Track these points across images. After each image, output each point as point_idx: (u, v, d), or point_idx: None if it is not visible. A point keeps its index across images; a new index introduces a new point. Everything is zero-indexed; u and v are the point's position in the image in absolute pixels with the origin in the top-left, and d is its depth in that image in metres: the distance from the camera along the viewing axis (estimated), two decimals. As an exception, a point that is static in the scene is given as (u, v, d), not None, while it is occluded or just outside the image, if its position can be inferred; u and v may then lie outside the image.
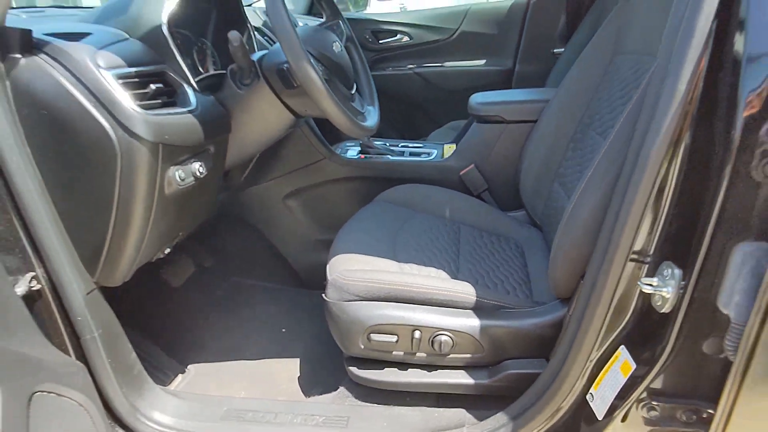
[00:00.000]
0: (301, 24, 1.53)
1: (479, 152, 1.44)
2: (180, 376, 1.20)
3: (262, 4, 2.05)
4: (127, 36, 0.89)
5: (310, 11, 2.13)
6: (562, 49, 2.00)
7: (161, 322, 1.34)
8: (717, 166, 0.60)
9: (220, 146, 1.04)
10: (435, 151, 1.53)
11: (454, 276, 1.02)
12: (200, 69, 1.12)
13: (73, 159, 0.79)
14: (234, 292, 1.52)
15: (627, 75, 1.03)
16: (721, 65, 0.59)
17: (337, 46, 1.05)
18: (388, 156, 1.50)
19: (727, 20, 0.57)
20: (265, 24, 1.47)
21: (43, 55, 0.75)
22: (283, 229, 1.56)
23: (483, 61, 2.20)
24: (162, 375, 1.16)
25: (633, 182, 0.67)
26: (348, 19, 2.21)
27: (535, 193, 1.29)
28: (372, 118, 1.14)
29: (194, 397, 1.04)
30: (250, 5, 2.15)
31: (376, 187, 1.39)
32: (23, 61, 0.74)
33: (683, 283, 0.65)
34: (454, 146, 1.53)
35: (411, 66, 2.23)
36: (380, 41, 2.23)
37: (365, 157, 1.49)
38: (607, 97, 1.10)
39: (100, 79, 0.75)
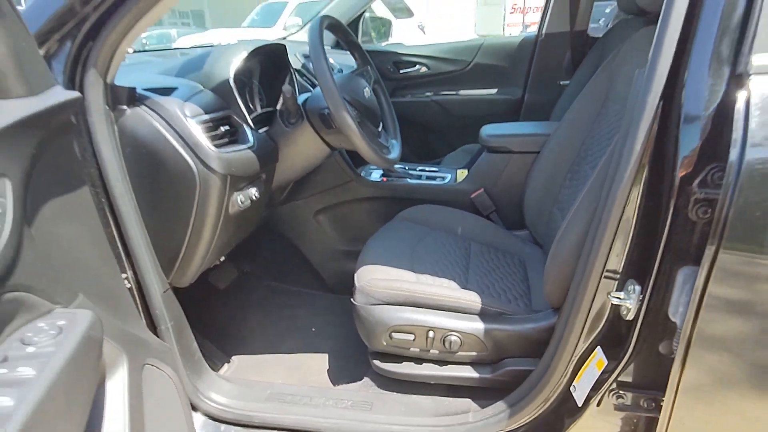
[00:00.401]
0: (333, 61, 1.75)
1: (488, 178, 1.63)
2: (226, 365, 1.40)
3: (299, 45, 2.28)
4: (202, 88, 1.11)
5: (336, 45, 2.36)
6: (567, 82, 2.18)
7: (210, 318, 1.55)
8: (664, 208, 0.78)
9: (270, 173, 1.25)
10: (449, 176, 1.72)
11: (464, 286, 1.20)
12: (251, 106, 1.34)
13: (162, 186, 1.00)
14: (269, 295, 1.73)
15: (612, 120, 1.22)
16: (666, 133, 0.77)
17: (367, 92, 1.25)
18: (407, 179, 1.70)
19: (671, 98, 0.76)
20: (303, 66, 1.69)
21: (144, 107, 0.97)
22: (313, 240, 1.77)
23: (495, 91, 2.40)
24: (211, 363, 1.36)
25: (605, 216, 0.85)
26: (372, 51, 2.44)
27: (537, 215, 1.48)
28: (395, 150, 1.34)
29: (242, 382, 1.24)
30: (284, 38, 2.39)
31: (396, 207, 1.58)
32: (129, 111, 0.96)
33: (642, 296, 0.83)
34: (466, 171, 1.72)
35: (429, 94, 2.44)
36: (401, 71, 2.44)
37: (387, 179, 1.69)
38: (599, 136, 1.29)
39: (186, 126, 0.97)
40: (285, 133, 1.23)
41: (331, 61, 1.71)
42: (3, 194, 0.55)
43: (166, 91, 1.03)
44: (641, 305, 0.84)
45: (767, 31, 0.66)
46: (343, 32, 1.32)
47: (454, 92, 2.43)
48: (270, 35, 7.29)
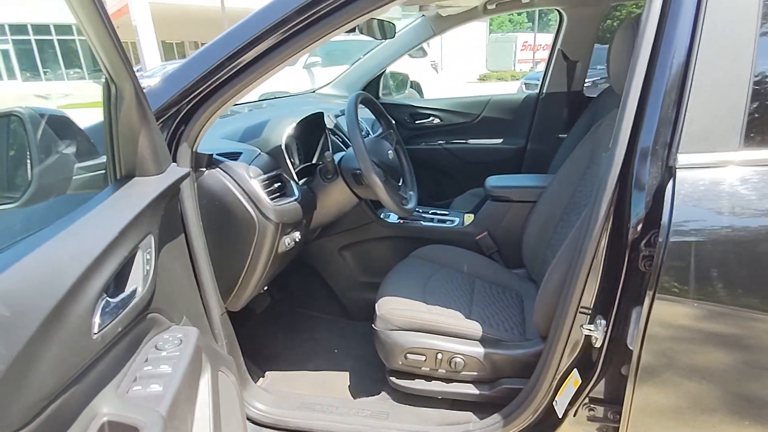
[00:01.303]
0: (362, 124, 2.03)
1: (491, 223, 1.88)
2: (261, 379, 1.63)
3: (326, 98, 2.59)
4: (260, 151, 1.38)
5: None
6: (565, 135, 2.45)
7: (248, 338, 1.79)
8: (622, 260, 1.02)
9: (309, 219, 1.51)
10: (457, 219, 1.98)
11: (468, 316, 1.43)
12: (294, 161, 1.61)
13: (229, 230, 1.27)
14: (297, 319, 1.97)
15: (594, 180, 1.47)
16: (622, 205, 1.01)
17: (391, 154, 1.52)
18: (421, 221, 1.95)
19: (625, 180, 1.01)
20: (336, 126, 1.98)
21: (218, 169, 1.24)
22: (337, 272, 2.02)
23: (500, 141, 2.67)
24: (250, 376, 1.60)
25: (579, 263, 1.09)
26: (392, 104, 2.74)
27: (533, 256, 1.72)
28: (412, 201, 1.60)
29: (277, 393, 1.47)
30: (314, 90, 2.70)
31: (411, 245, 1.83)
32: (207, 172, 1.23)
33: (606, 329, 1.06)
34: (472, 216, 1.97)
35: (441, 142, 2.73)
36: (416, 122, 2.74)
37: (403, 222, 1.95)
38: (583, 192, 1.54)
39: (250, 185, 1.24)
40: (323, 187, 1.50)
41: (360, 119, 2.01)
42: (150, 246, 0.81)
43: (234, 156, 1.30)
44: (606, 336, 1.06)
45: (689, 137, 0.92)
46: (373, 104, 1.61)
47: (463, 141, 2.71)
48: (290, 72, 7.73)
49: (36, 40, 19.37)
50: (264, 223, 1.25)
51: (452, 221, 1.97)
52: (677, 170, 0.92)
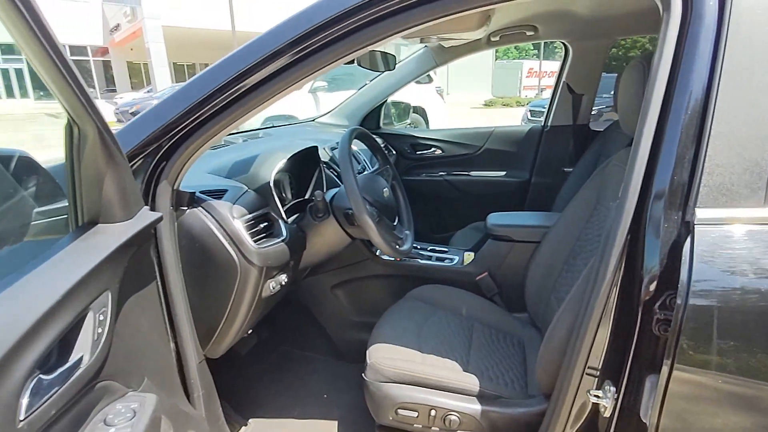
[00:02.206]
0: (357, 159, 1.96)
1: (493, 263, 1.79)
2: (243, 427, 1.52)
3: (325, 127, 2.53)
4: (247, 188, 1.31)
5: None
6: (570, 169, 2.37)
7: (230, 382, 1.69)
8: (634, 321, 0.92)
9: (298, 260, 1.43)
10: (457, 258, 1.89)
11: (465, 368, 1.33)
12: (285, 196, 1.54)
13: (209, 273, 1.18)
14: (285, 360, 1.87)
15: (602, 221, 1.38)
16: (633, 261, 0.93)
17: (386, 192, 1.45)
18: (419, 259, 1.86)
19: (636, 233, 0.92)
20: (331, 159, 1.91)
21: (200, 208, 1.16)
22: (330, 311, 1.92)
23: (503, 173, 2.60)
24: (231, 426, 1.49)
25: (585, 320, 0.99)
26: (392, 134, 2.68)
27: (536, 300, 1.61)
28: (408, 242, 1.51)
29: None
30: (314, 119, 2.64)
31: (407, 284, 1.74)
32: (188, 212, 1.15)
33: (616, 397, 0.96)
34: (472, 255, 1.88)
35: (442, 173, 2.65)
36: (417, 152, 2.67)
37: (400, 259, 1.86)
38: (590, 234, 1.45)
39: (233, 226, 1.16)
40: (313, 226, 1.42)
41: (356, 153, 1.93)
42: (106, 304, 0.73)
43: (218, 193, 1.23)
44: (616, 405, 0.96)
45: (708, 190, 0.83)
46: (369, 140, 1.54)
47: (465, 173, 2.64)
48: (296, 96, 7.75)
49: (49, 60, 19.71)
50: (246, 267, 1.17)
51: (451, 260, 1.88)
52: (696, 226, 0.83)
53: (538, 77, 25.08)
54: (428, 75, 9.14)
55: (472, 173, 2.64)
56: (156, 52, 17.39)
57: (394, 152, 2.64)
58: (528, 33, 2.12)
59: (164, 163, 1.05)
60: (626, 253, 0.93)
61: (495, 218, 1.82)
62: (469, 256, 1.88)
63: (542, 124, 2.53)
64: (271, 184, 1.34)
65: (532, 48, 34.15)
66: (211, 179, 1.33)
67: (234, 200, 1.22)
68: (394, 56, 1.87)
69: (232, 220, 1.16)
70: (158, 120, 1.02)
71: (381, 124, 2.67)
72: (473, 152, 2.61)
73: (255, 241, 1.20)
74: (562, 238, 1.57)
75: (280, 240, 1.28)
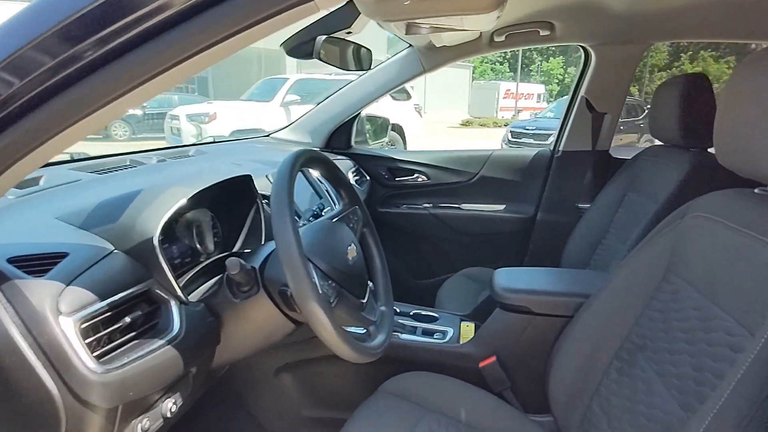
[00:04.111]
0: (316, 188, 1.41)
1: (502, 342, 1.27)
2: None
3: (283, 144, 2.00)
4: (112, 248, 0.76)
5: (328, 145, 2.08)
6: (587, 206, 1.90)
7: None
8: None
9: (204, 364, 0.88)
10: (450, 331, 1.36)
11: None
12: (198, 248, 0.99)
13: (8, 415, 0.63)
14: None
15: (681, 305, 0.88)
16: None
17: (352, 252, 0.92)
18: (398, 334, 1.33)
19: None
20: None
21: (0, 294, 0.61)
22: (270, 401, 1.37)
23: (502, 207, 2.11)
24: None
25: None
26: (366, 155, 2.17)
27: (568, 403, 1.10)
28: (382, 331, 0.98)
29: None
30: (269, 134, 2.11)
31: (381, 367, 1.20)
32: None
33: None
34: (472, 327, 1.37)
35: (427, 205, 2.14)
36: (396, 178, 2.16)
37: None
38: (656, 321, 0.94)
39: (55, 332, 0.61)
40: (233, 306, 0.87)
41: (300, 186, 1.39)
42: None
43: (48, 262, 0.68)
44: None
45: None
46: (327, 167, 1.01)
47: (456, 206, 2.13)
48: (267, 109, 7.24)
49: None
50: (77, 411, 0.62)
51: (443, 334, 1.36)
52: None
53: (515, 99, 25.19)
54: (406, 91, 8.78)
55: (464, 206, 2.13)
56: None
57: (368, 177, 2.12)
58: (542, 32, 1.65)
59: None
60: None
61: (505, 278, 1.31)
62: (467, 329, 1.36)
63: (551, 148, 2.05)
64: (156, 242, 0.79)
65: (508, 71, 34.67)
66: (50, 231, 0.78)
67: (71, 277, 0.67)
68: (369, 51, 1.36)
69: (53, 320, 0.61)
70: None
71: (353, 143, 2.15)
72: (466, 180, 2.11)
73: (104, 355, 0.65)
74: (609, 319, 1.06)
75: (163, 342, 0.73)
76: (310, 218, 1.15)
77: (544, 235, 2.03)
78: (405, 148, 8.12)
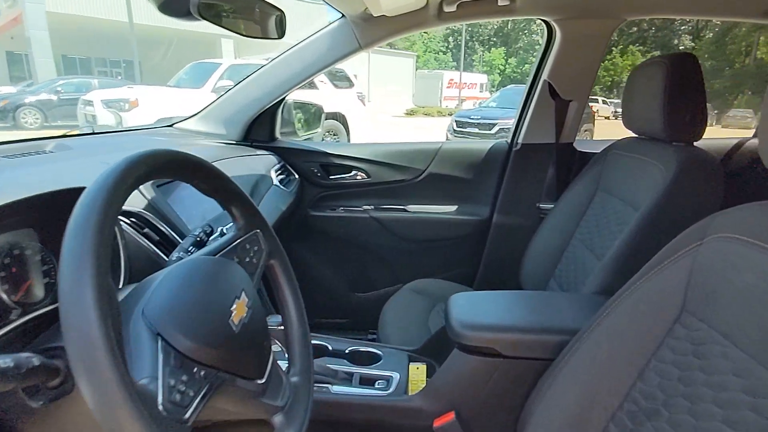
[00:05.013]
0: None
1: (462, 394, 0.98)
2: None
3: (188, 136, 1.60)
4: None
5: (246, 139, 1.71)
6: (550, 206, 1.66)
7: None
8: None
9: None
10: (396, 377, 1.06)
11: None
12: (3, 296, 0.63)
13: None
14: None
15: (721, 369, 0.62)
16: None
17: (240, 308, 0.59)
18: (328, 386, 1.02)
19: None
20: (151, 206, 1.00)
21: None
22: None
23: (454, 209, 1.83)
24: None
25: None
26: (294, 149, 1.82)
27: None
28: (294, 419, 0.66)
29: None
30: (171, 124, 1.72)
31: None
32: None
33: None
34: (424, 369, 1.08)
35: (367, 207, 1.83)
36: (331, 177, 1.82)
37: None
38: (679, 381, 0.69)
39: None
40: (30, 416, 0.52)
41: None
42: None
43: None
44: None
45: None
46: (201, 175, 0.66)
47: (400, 207, 1.84)
48: (197, 96, 6.65)
49: None
50: None
51: (386, 381, 1.06)
52: None
53: (458, 88, 25.33)
54: (348, 79, 8.41)
55: (410, 208, 1.84)
56: (38, 41, 15.17)
57: (297, 176, 1.78)
58: (501, 2, 1.37)
59: None
60: None
61: (463, 308, 1.02)
62: (417, 373, 1.07)
63: (508, 140, 1.79)
64: None
65: (451, 60, 34.94)
66: None
67: None
68: (281, 13, 1.02)
69: None
70: None
71: (278, 134, 1.80)
72: (412, 178, 1.82)
73: None
74: (606, 362, 0.80)
75: None
76: (190, 249, 0.80)
77: (502, 240, 1.78)
78: (348, 139, 7.77)
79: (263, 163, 1.60)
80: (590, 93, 1.62)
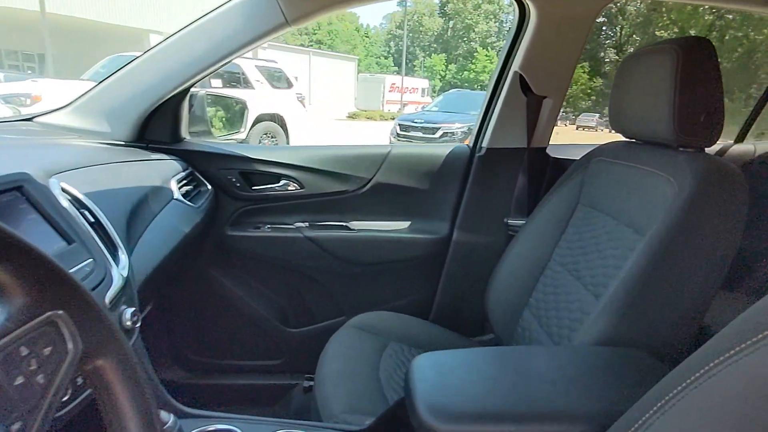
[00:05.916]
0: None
1: None
2: None
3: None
4: None
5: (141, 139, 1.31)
6: (521, 221, 1.40)
7: None
8: None
9: None
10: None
11: None
12: None
13: None
14: None
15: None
16: None
17: None
18: None
19: None
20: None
21: None
22: None
23: (407, 225, 1.52)
24: None
25: None
26: (205, 153, 1.43)
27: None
28: None
29: None
30: (30, 118, 1.29)
31: None
32: None
33: None
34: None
35: (300, 224, 1.48)
36: (254, 187, 1.46)
37: None
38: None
39: None
40: None
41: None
42: None
43: None
44: None
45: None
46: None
47: (341, 224, 1.50)
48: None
49: None
50: None
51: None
52: None
53: (400, 92, 25.37)
54: (287, 80, 7.99)
55: (353, 225, 1.51)
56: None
57: (209, 186, 1.40)
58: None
59: None
60: None
61: (431, 383, 0.70)
62: None
63: (471, 144, 1.50)
64: None
65: (392, 65, 35.09)
66: None
67: None
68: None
69: None
70: None
71: (185, 134, 1.41)
72: (355, 189, 1.49)
73: None
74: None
75: None
76: None
77: (463, 262, 1.49)
78: (288, 142, 7.35)
79: (159, 171, 1.21)
80: (568, 88, 1.37)
